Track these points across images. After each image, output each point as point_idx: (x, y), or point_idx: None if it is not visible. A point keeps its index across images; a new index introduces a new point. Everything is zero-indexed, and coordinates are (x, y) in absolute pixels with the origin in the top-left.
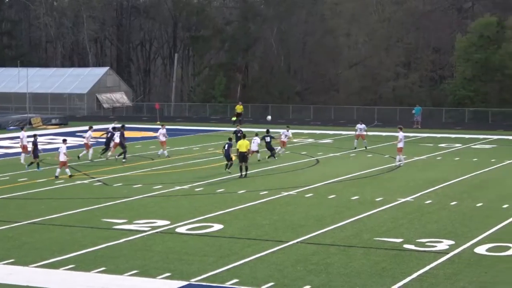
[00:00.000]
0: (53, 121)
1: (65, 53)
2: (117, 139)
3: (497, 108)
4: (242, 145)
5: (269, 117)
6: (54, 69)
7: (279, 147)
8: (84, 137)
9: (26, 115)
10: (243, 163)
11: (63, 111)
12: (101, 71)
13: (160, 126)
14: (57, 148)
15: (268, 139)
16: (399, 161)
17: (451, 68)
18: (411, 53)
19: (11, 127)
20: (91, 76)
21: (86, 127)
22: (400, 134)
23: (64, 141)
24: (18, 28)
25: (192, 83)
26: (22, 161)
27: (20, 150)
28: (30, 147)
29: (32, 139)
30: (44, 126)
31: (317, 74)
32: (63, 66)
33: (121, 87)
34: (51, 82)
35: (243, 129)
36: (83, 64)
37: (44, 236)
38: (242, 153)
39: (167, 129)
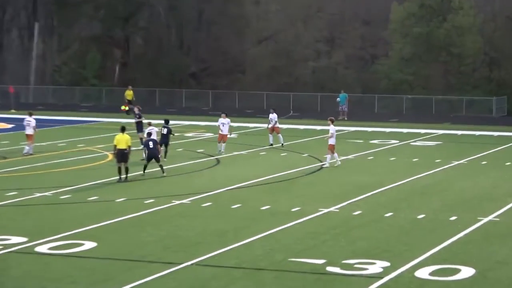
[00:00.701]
0: None
1: None
2: None
3: (442, 95)
4: (121, 140)
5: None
6: None
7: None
8: None
9: None
10: (123, 163)
11: None
12: None
13: (27, 116)
14: None
15: (165, 131)
16: (332, 160)
17: (385, 46)
18: (335, 27)
19: None
20: None
21: None
22: (332, 128)
23: None
24: None
25: (57, 61)
26: None
27: None
28: None
29: None
30: None
31: (217, 52)
32: None
33: None
34: None
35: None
36: None
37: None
38: (121, 150)
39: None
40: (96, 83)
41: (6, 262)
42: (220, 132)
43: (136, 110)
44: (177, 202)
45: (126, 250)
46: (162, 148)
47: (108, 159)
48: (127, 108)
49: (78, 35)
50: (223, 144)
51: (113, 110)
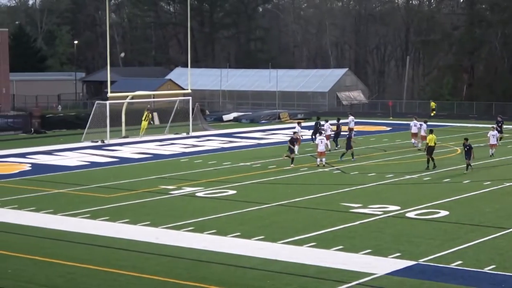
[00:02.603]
0: (299, 116)
1: (310, 56)
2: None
3: None
4: (431, 139)
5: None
6: (300, 70)
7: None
8: (296, 132)
9: (275, 110)
10: (429, 156)
11: (307, 107)
12: (340, 72)
13: (413, 120)
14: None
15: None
16: None
17: None
18: None
19: (263, 121)
20: (332, 76)
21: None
22: None
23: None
24: (269, 35)
25: (422, 82)
26: (296, 152)
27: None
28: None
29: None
30: (291, 120)
31: None
32: (307, 67)
33: (358, 86)
34: (297, 82)
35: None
36: (325, 65)
37: (289, 216)
38: (430, 147)
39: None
40: (449, 98)
41: (386, 223)
42: None
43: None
44: (508, 184)
45: (470, 217)
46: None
47: (457, 153)
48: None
49: (436, 64)
50: None
51: (463, 118)
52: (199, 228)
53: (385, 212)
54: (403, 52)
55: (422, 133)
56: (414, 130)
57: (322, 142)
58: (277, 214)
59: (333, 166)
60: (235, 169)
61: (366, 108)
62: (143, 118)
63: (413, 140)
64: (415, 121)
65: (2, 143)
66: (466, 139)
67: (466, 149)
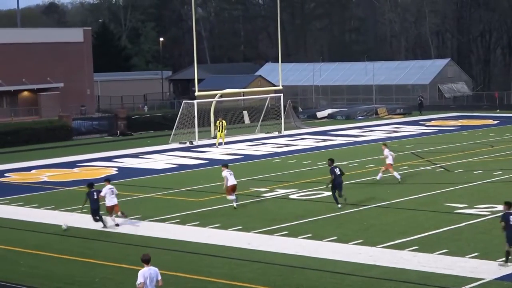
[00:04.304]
0: (398, 111)
1: (408, 46)
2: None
3: None
4: None
5: None
6: (398, 62)
7: None
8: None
9: (372, 105)
10: None
11: (407, 101)
12: (442, 62)
13: None
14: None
15: None
16: None
17: None
18: None
19: (359, 117)
20: (433, 67)
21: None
22: None
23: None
24: (365, 25)
25: None
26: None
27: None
28: None
29: None
30: (389, 116)
31: None
32: (406, 59)
33: (461, 77)
34: (395, 74)
35: None
36: (425, 56)
37: (389, 218)
38: None
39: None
40: None
41: (494, 224)
42: None
43: None
44: None
45: None
46: None
47: None
48: None
49: None
50: None
51: None
52: (293, 232)
53: (493, 213)
54: (510, 39)
55: None
56: None
57: None
58: (376, 216)
59: (436, 164)
60: None
61: (470, 101)
62: (216, 129)
63: None
64: None
65: (87, 147)
66: None
67: None
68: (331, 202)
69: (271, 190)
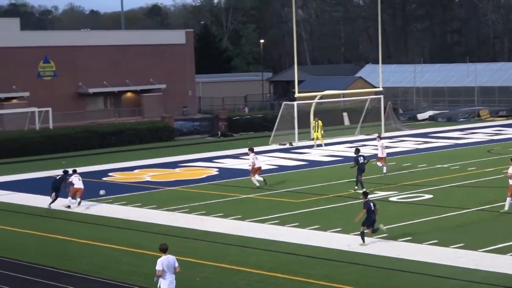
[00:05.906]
0: (500, 113)
1: None
2: None
3: None
4: None
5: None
6: (501, 63)
7: None
8: None
9: (474, 107)
10: None
11: (510, 103)
12: None
13: None
14: None
15: None
16: None
17: None
18: None
19: (461, 119)
20: None
21: None
22: None
23: None
24: (467, 26)
25: None
26: None
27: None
28: None
29: None
30: (492, 118)
31: None
32: (509, 60)
33: None
34: (498, 76)
35: None
36: None
37: (492, 222)
38: None
39: None
40: None
41: None
42: None
43: None
44: None
45: None
46: None
47: None
48: None
49: None
50: None
51: None
52: (392, 235)
53: None
54: None
55: None
56: None
57: None
58: (478, 220)
59: None
60: (431, 172)
61: None
62: (313, 129)
63: None
64: None
65: (189, 147)
66: None
67: None
68: (431, 205)
69: (371, 192)
